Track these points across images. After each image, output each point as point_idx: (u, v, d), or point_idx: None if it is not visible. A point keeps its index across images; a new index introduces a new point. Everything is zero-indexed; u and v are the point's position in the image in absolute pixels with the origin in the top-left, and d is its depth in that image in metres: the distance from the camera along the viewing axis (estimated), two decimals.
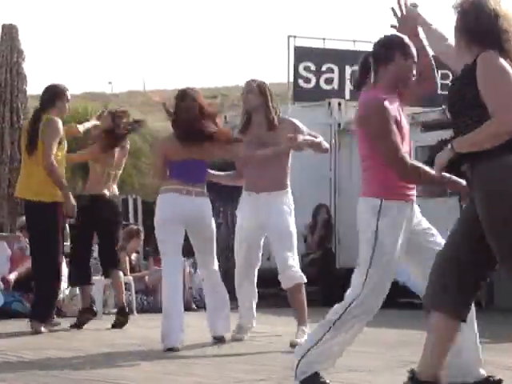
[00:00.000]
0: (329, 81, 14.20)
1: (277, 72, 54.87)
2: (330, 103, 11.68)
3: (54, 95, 6.92)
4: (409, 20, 4.15)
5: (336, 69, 14.13)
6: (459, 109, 3.66)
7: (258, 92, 6.07)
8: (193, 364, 5.16)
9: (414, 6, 4.17)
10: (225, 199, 12.56)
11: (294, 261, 6.00)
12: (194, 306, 9.97)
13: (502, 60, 3.58)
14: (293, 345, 5.51)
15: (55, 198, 6.79)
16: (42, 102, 6.95)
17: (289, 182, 6.16)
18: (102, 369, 4.91)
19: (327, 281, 10.64)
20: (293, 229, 6.06)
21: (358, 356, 4.96)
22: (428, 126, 10.71)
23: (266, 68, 52.95)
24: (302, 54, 14.13)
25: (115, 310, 7.86)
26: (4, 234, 10.08)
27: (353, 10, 62.43)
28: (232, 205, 12.47)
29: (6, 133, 12.05)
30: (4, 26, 11.75)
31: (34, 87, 15.41)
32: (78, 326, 7.31)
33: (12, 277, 8.63)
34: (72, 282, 7.88)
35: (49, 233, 6.81)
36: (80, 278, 7.54)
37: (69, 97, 7.01)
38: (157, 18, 71.03)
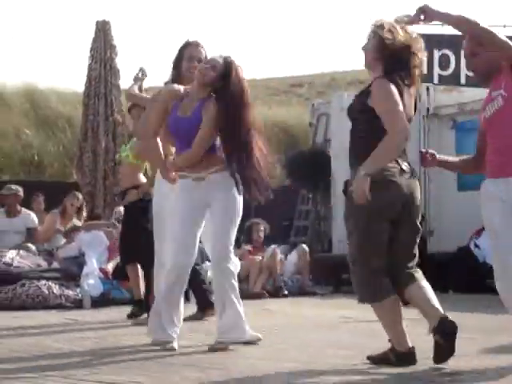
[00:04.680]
0: None
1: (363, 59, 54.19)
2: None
3: None
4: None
5: (424, 53, 14.02)
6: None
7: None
8: (287, 349, 5.30)
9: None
10: (310, 186, 12.66)
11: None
12: (285, 291, 10.11)
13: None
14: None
15: None
16: None
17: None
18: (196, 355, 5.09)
19: (419, 266, 10.61)
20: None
21: None
22: None
23: (351, 55, 52.57)
24: None
25: None
26: (101, 222, 10.39)
27: None
28: (318, 191, 12.57)
29: (101, 125, 12.44)
30: (98, 23, 12.12)
31: (127, 81, 15.73)
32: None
33: (110, 266, 8.93)
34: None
35: None
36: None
37: None
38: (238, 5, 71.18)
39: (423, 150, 4.77)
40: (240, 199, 5.24)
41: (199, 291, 7.10)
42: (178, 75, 5.66)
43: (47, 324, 6.94)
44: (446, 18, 4.44)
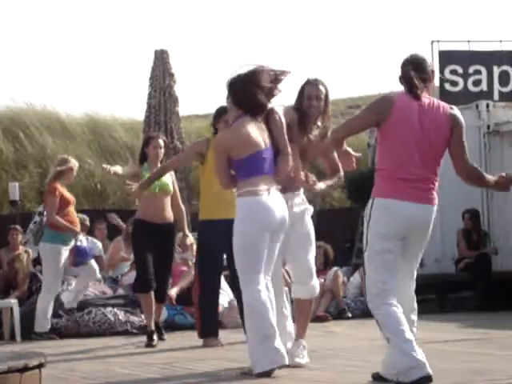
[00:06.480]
0: (477, 83, 13.99)
1: None
2: (477, 105, 11.56)
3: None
4: None
5: (484, 70, 13.91)
6: None
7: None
8: (352, 371, 5.28)
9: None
10: None
11: (313, 270, 5.71)
12: (348, 314, 10.06)
13: None
14: (298, 366, 5.34)
15: None
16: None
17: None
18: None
19: (484, 285, 10.47)
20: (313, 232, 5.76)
21: None
22: None
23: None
24: (447, 57, 14.00)
25: None
26: None
27: (497, 9, 60.70)
28: None
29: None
30: (156, 52, 12.35)
31: (186, 108, 15.97)
32: None
33: (174, 291, 8.98)
34: None
35: None
36: None
37: None
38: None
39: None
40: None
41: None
42: (299, 110, 5.60)
43: (114, 350, 7.04)
44: None
